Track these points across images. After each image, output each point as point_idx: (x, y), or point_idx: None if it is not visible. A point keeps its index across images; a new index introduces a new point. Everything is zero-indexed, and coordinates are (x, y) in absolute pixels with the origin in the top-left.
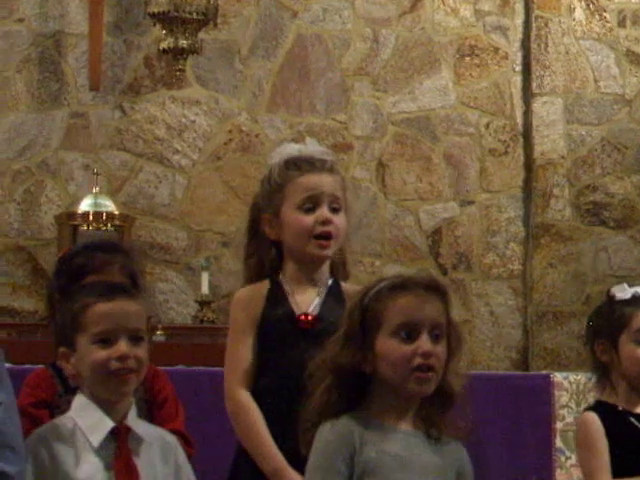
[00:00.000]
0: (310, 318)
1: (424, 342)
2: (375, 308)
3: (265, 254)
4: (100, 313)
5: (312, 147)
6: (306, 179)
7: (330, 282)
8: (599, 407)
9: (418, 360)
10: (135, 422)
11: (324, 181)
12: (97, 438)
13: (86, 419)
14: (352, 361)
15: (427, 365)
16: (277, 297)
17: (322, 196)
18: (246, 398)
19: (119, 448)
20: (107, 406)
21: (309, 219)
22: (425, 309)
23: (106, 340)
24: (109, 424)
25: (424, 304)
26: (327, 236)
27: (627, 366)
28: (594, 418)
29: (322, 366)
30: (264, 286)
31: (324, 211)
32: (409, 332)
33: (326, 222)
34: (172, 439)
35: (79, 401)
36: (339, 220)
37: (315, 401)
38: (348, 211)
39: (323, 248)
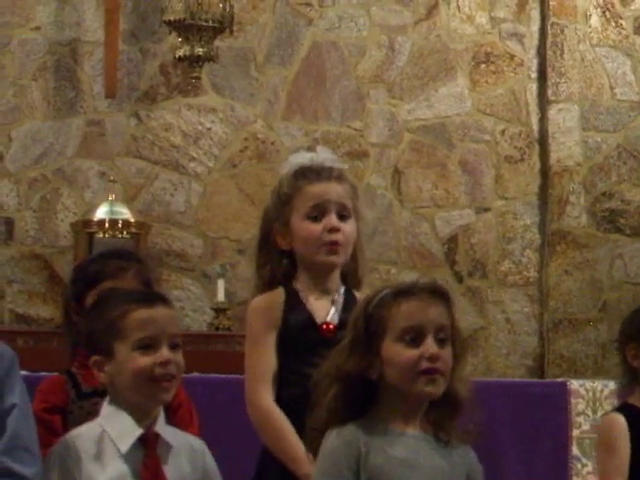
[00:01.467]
0: (332, 327)
1: (430, 345)
2: (379, 314)
3: (277, 264)
4: (142, 319)
5: (323, 155)
6: (313, 188)
7: (342, 291)
8: (626, 409)
9: (425, 364)
10: (163, 428)
11: (331, 189)
12: (125, 444)
13: (115, 426)
14: (358, 368)
15: (434, 368)
16: (294, 304)
17: (329, 204)
18: (272, 405)
19: (147, 455)
20: (139, 414)
21: (317, 228)
22: (429, 313)
23: (148, 346)
24: (138, 430)
25: (428, 308)
26: (335, 244)
27: None
28: (620, 420)
29: (328, 375)
30: (280, 294)
31: (331, 219)
32: (414, 336)
33: (333, 230)
34: (200, 444)
35: (108, 409)
36: (347, 228)
37: (322, 409)
38: (359, 219)
39: (332, 254)
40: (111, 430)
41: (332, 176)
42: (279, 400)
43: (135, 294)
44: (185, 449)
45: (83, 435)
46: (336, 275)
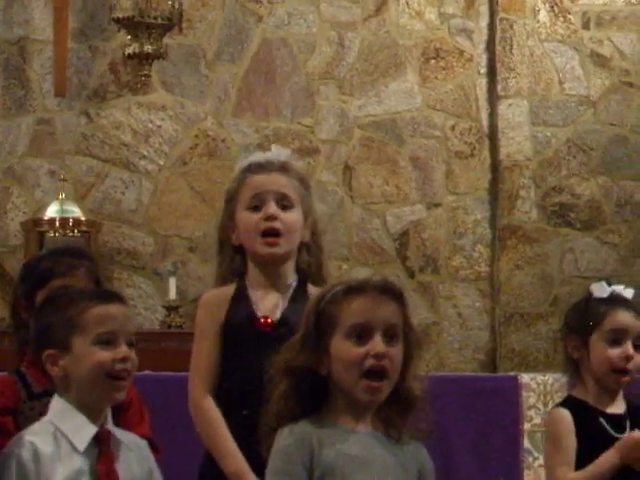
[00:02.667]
0: (270, 321)
1: (377, 343)
2: (330, 310)
3: (230, 260)
4: (102, 315)
5: (276, 152)
6: (253, 179)
7: (294, 285)
8: (570, 403)
9: (370, 361)
10: (111, 427)
11: (271, 179)
12: (82, 442)
13: (68, 423)
14: (308, 364)
15: (379, 366)
16: (241, 300)
17: (267, 194)
18: (207, 401)
19: (103, 452)
20: (89, 411)
21: (255, 216)
22: (378, 311)
23: (107, 342)
24: (93, 428)
25: (378, 306)
26: (274, 233)
27: (596, 365)
28: (566, 415)
29: (279, 370)
30: (230, 289)
31: (269, 207)
32: (362, 334)
33: (271, 218)
34: (144, 444)
35: (58, 405)
36: (288, 217)
37: (273, 405)
38: (311, 212)
39: (271, 246)
40: (65, 428)
41: (274, 167)
42: (219, 394)
43: (93, 291)
44: (132, 447)
45: (38, 434)
46: (286, 269)
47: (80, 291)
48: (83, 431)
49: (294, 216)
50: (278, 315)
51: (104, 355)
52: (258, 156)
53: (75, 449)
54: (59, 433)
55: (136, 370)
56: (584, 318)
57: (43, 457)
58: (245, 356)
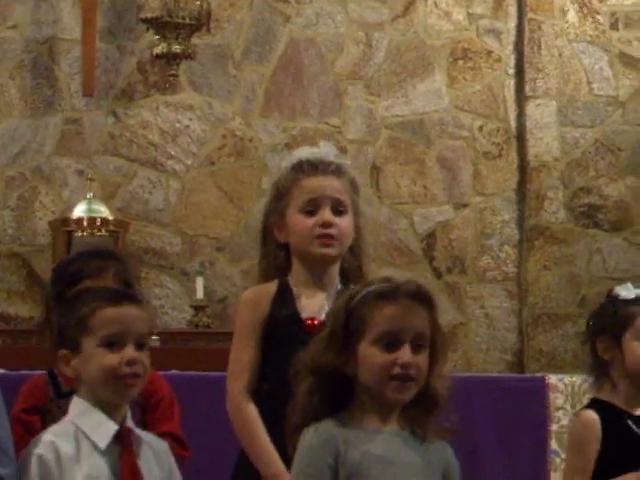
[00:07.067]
0: (317, 322)
1: (404, 353)
2: (360, 313)
3: (273, 257)
4: (109, 317)
5: (325, 150)
6: (308, 182)
7: (339, 287)
8: (597, 405)
9: (397, 370)
10: (132, 424)
11: (327, 184)
12: (104, 440)
13: (89, 422)
14: (334, 363)
15: (406, 375)
16: (284, 298)
17: (324, 199)
18: (247, 402)
19: (124, 450)
20: (108, 409)
21: (310, 221)
22: (409, 320)
23: (113, 344)
24: (113, 426)
25: (409, 315)
26: (328, 239)
27: (630, 364)
28: (594, 419)
29: (305, 366)
30: (272, 286)
31: (325, 213)
32: (391, 341)
33: (326, 224)
34: (164, 444)
35: (78, 405)
36: (343, 223)
37: (298, 402)
38: (359, 215)
39: (326, 247)
40: (85, 427)
41: (329, 170)
42: (258, 394)
43: (105, 292)
44: (151, 446)
45: (60, 435)
46: (333, 271)
47: (93, 292)
48: (104, 428)
49: (348, 221)
50: (323, 316)
51: (111, 358)
52: (308, 153)
53: (96, 447)
54: (80, 432)
55: (149, 371)
56: (614, 319)
57: (64, 457)
58: (288, 357)
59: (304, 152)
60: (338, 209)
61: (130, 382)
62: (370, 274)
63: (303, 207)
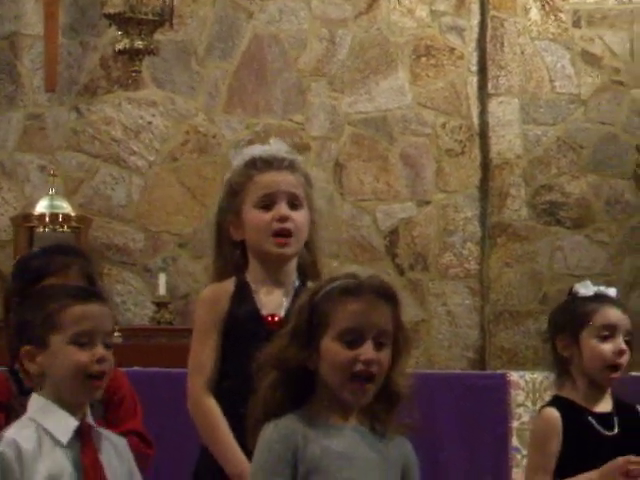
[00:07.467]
0: (277, 319)
1: (367, 349)
2: (324, 308)
3: (229, 255)
4: (80, 314)
5: (276, 147)
6: (263, 178)
7: (297, 283)
8: (559, 402)
9: (359, 366)
10: (91, 421)
11: (281, 179)
12: (65, 435)
13: (49, 418)
14: (297, 358)
15: (367, 372)
16: (243, 295)
17: (279, 194)
18: (209, 401)
19: (86, 445)
20: (68, 406)
21: (266, 216)
22: (373, 316)
23: (83, 341)
24: (74, 422)
25: (372, 311)
26: (285, 233)
27: (588, 361)
28: (555, 416)
29: (267, 361)
30: (230, 284)
31: (281, 208)
32: (353, 338)
33: (283, 219)
34: (122, 440)
35: (37, 401)
36: (298, 217)
37: (260, 396)
38: (313, 209)
39: (282, 246)
40: (46, 423)
41: (283, 165)
42: (219, 391)
43: (73, 289)
44: (111, 441)
45: (20, 431)
46: (290, 267)
47: (60, 289)
48: (65, 424)
49: (304, 215)
50: (282, 313)
51: (81, 356)
52: (259, 150)
53: (58, 443)
54: (41, 429)
55: (112, 369)
56: (573, 317)
57: (25, 454)
58: (250, 354)
59: (256, 150)
60: (294, 203)
61: (97, 384)
62: (324, 269)
63: (258, 202)
